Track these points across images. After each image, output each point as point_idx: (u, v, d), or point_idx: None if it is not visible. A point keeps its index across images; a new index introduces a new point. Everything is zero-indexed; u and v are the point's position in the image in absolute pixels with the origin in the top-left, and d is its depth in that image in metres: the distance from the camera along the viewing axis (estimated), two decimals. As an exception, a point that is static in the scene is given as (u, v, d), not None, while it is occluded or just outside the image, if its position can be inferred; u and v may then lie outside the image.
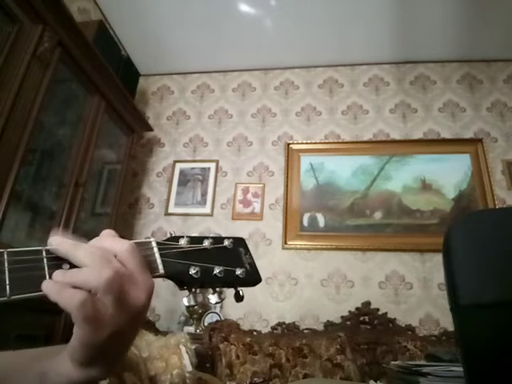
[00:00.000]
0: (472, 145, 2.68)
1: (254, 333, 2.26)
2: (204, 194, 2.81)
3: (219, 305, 2.34)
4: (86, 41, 1.99)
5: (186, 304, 0.43)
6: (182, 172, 2.92)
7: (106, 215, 2.39)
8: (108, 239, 0.39)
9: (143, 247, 0.42)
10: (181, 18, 2.74)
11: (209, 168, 2.89)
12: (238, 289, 0.47)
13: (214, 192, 2.81)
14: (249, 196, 2.75)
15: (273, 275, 2.50)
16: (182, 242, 0.45)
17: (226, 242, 0.48)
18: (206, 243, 0.46)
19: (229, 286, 0.47)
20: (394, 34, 2.78)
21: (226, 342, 1.99)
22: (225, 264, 0.45)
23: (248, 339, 2.07)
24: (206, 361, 1.88)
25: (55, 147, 1.98)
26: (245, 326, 2.33)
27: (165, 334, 1.64)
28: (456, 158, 2.65)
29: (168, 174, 2.94)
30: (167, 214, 2.79)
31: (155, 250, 0.42)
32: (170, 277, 0.42)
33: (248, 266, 0.48)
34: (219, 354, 1.94)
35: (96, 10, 2.69)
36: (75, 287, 0.34)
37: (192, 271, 0.42)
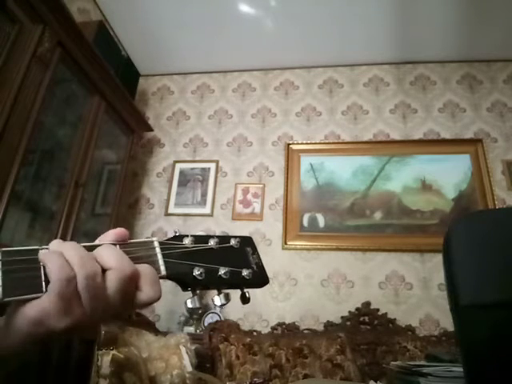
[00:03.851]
0: (472, 145, 2.68)
1: (254, 333, 2.26)
2: (204, 195, 2.81)
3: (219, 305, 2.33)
4: (86, 41, 1.99)
5: (190, 306, 0.41)
6: (182, 172, 2.92)
7: (106, 215, 2.39)
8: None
9: (145, 247, 0.40)
10: (181, 19, 2.74)
11: (209, 168, 2.89)
12: (245, 290, 0.45)
13: (214, 192, 2.81)
14: (249, 196, 2.75)
15: (273, 275, 2.49)
16: (187, 241, 0.43)
17: (233, 242, 0.47)
18: (212, 242, 0.45)
19: (234, 288, 0.45)
20: (394, 35, 2.78)
21: (225, 343, 1.99)
22: (231, 265, 0.44)
23: (248, 339, 2.07)
24: (206, 361, 1.87)
25: (55, 147, 1.98)
26: (245, 327, 2.33)
27: (165, 334, 1.64)
28: (456, 159, 2.65)
29: (168, 174, 2.94)
30: (167, 214, 2.79)
31: (157, 250, 0.41)
32: (172, 278, 0.41)
33: (255, 267, 0.46)
34: (219, 354, 1.94)
35: (96, 10, 2.69)
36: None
37: (196, 272, 0.41)
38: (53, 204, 1.91)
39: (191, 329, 2.29)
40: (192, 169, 2.92)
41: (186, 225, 2.74)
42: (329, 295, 2.42)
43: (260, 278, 0.46)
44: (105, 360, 1.06)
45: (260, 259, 0.48)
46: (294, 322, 2.33)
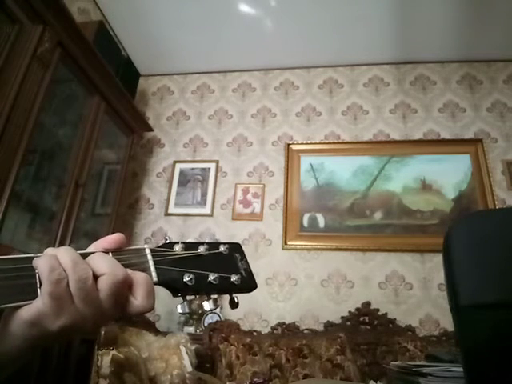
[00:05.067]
0: (472, 145, 2.68)
1: (254, 333, 2.26)
2: (204, 195, 2.81)
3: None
4: (86, 41, 1.99)
5: (180, 311, 0.43)
6: (182, 172, 2.92)
7: (105, 216, 2.39)
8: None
9: (137, 254, 0.42)
10: (181, 19, 2.74)
11: (209, 168, 2.89)
12: (233, 295, 0.47)
13: (214, 192, 2.81)
14: (249, 196, 2.75)
15: (273, 275, 2.49)
16: (177, 248, 0.44)
17: (222, 248, 0.48)
18: (202, 249, 0.46)
19: (224, 293, 0.46)
20: (394, 35, 2.78)
21: (225, 343, 1.99)
22: (220, 271, 0.45)
23: (248, 340, 2.07)
24: (206, 361, 1.87)
25: (55, 147, 1.98)
26: (245, 327, 2.33)
27: (165, 334, 1.64)
28: (456, 159, 2.65)
29: (168, 174, 2.94)
30: (167, 214, 2.79)
31: (149, 257, 0.42)
32: (163, 284, 0.42)
33: (243, 272, 0.47)
34: (219, 354, 1.94)
35: (96, 10, 2.69)
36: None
37: (186, 278, 0.42)
38: (53, 204, 1.91)
39: (191, 329, 2.29)
40: (192, 169, 2.92)
41: (186, 225, 2.74)
42: (329, 295, 2.42)
43: (248, 284, 0.47)
44: (105, 360, 1.06)
45: (248, 265, 0.49)
46: (294, 322, 2.33)
